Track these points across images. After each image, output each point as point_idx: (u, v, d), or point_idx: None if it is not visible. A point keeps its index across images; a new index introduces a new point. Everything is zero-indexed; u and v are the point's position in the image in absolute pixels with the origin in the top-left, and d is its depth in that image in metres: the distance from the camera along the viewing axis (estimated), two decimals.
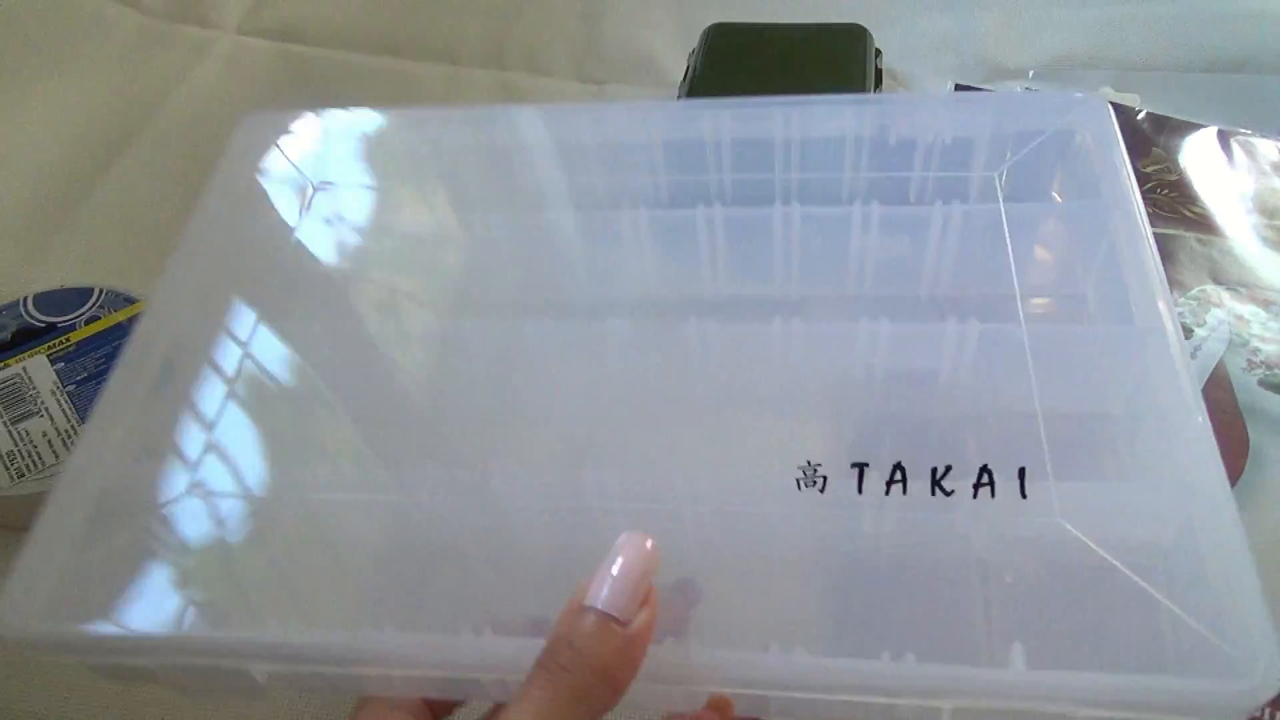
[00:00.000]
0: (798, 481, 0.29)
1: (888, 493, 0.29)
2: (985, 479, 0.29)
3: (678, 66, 0.62)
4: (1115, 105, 0.51)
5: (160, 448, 0.35)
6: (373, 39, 0.70)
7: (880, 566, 0.31)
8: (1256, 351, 0.45)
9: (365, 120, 0.44)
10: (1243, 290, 0.48)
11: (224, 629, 0.31)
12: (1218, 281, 0.48)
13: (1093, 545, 0.28)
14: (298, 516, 0.35)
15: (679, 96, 0.57)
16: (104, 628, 0.31)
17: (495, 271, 0.43)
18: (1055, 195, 0.39)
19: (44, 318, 0.50)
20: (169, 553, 0.34)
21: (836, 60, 0.55)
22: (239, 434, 0.36)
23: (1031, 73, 0.63)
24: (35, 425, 0.45)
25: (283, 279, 0.41)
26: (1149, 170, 0.54)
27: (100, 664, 0.31)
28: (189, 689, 0.30)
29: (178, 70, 0.68)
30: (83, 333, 0.49)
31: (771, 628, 0.26)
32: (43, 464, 0.44)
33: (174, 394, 0.36)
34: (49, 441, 0.45)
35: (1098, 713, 0.25)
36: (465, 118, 0.44)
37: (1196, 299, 0.48)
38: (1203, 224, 0.51)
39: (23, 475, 0.44)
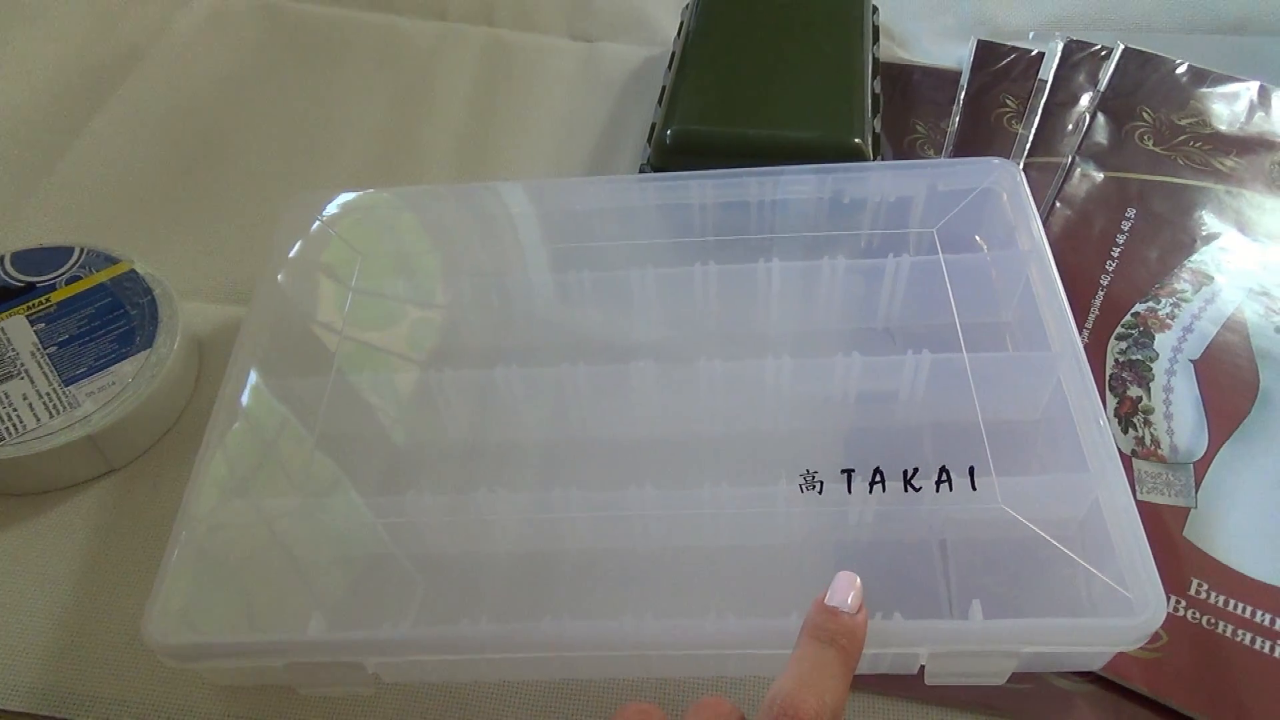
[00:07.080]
0: (800, 486, 0.37)
1: (870, 491, 0.37)
2: (944, 477, 0.36)
3: (671, 23, 0.61)
4: (1154, 58, 0.55)
5: (230, 481, 0.39)
6: None
7: (867, 549, 0.38)
8: (1278, 300, 0.47)
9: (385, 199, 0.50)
10: (1268, 242, 0.49)
11: (337, 630, 0.36)
12: (1244, 233, 0.49)
13: (1027, 523, 0.36)
14: (337, 533, 0.40)
15: (672, 54, 0.56)
16: (239, 635, 0.37)
17: (512, 322, 0.48)
18: (979, 241, 0.47)
19: (23, 277, 0.48)
20: (269, 568, 0.39)
21: (832, 17, 0.55)
22: (276, 471, 0.41)
23: (1031, 34, 0.61)
24: (15, 388, 0.43)
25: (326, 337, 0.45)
26: (1184, 123, 0.53)
27: (233, 668, 0.36)
28: (309, 684, 0.37)
29: (158, 23, 0.65)
30: (63, 293, 0.47)
31: (788, 600, 0.34)
32: (24, 428, 0.42)
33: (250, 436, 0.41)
34: (30, 405, 0.43)
35: (1038, 648, 0.33)
36: (465, 193, 0.49)
37: (1219, 248, 0.49)
38: (1233, 177, 0.51)
39: (2, 440, 0.42)
